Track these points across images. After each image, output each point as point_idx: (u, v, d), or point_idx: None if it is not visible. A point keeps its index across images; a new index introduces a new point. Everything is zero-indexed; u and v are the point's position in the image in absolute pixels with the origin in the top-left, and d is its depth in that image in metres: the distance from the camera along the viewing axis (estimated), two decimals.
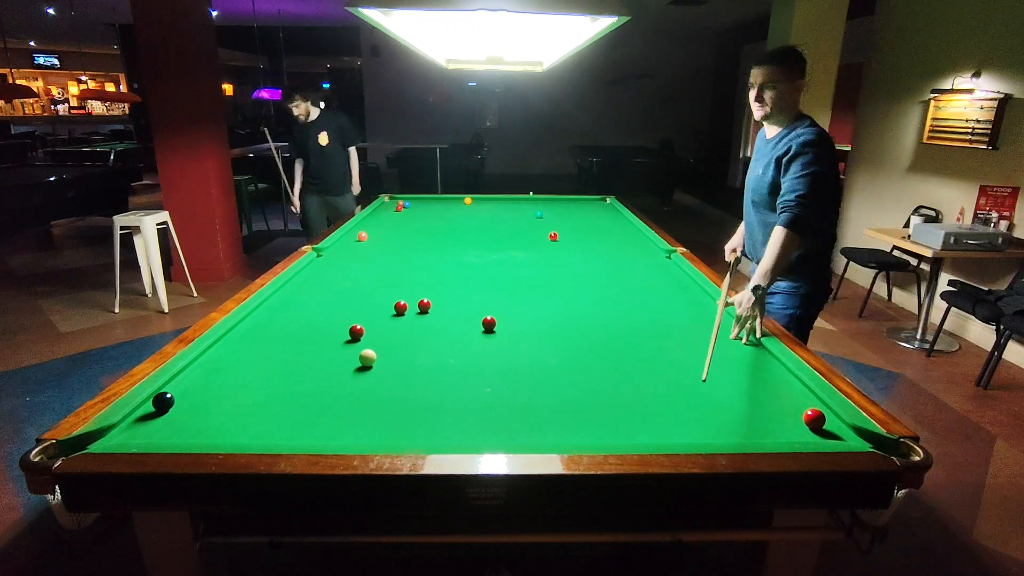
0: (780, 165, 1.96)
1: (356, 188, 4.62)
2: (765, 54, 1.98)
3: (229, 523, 1.32)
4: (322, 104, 4.54)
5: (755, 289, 1.77)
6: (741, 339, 1.78)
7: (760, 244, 2.11)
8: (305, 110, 4.34)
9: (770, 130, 2.11)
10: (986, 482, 2.53)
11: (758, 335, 1.76)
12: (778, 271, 1.84)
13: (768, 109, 1.97)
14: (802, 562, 1.39)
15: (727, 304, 1.81)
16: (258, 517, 1.32)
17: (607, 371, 1.63)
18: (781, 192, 1.91)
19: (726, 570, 1.89)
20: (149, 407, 1.34)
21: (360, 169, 4.71)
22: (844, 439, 1.25)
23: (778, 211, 1.89)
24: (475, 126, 11.57)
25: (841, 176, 2.75)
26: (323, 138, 4.37)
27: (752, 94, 2.01)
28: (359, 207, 4.25)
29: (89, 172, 6.64)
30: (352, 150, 4.59)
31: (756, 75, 1.97)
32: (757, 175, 2.10)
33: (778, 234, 1.85)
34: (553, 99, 11.00)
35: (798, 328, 2.10)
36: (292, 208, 4.63)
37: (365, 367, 1.60)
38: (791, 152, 1.91)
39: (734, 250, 2.46)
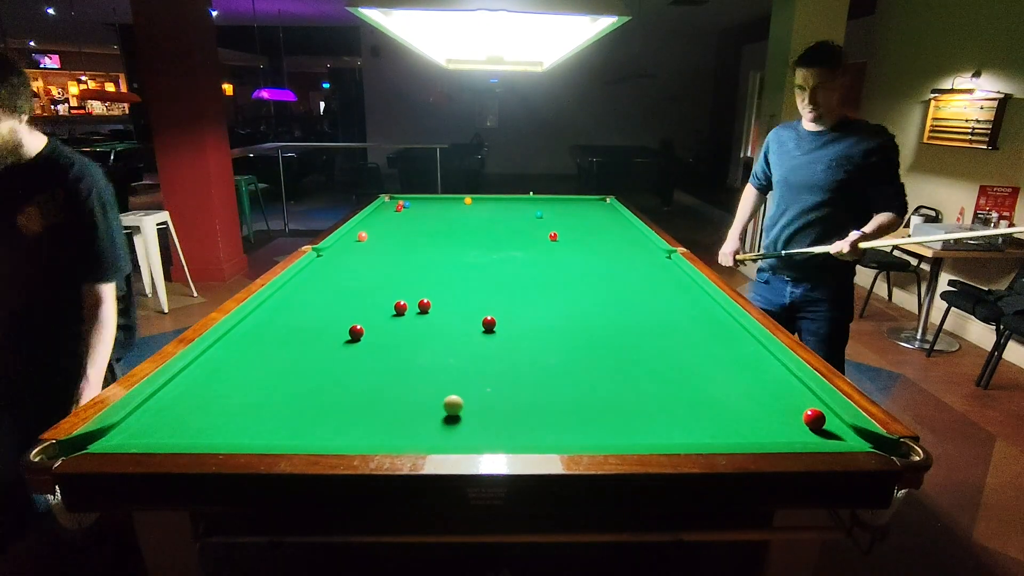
0: (859, 166, 2.05)
1: (91, 389, 1.59)
2: (811, 55, 1.98)
3: (229, 523, 1.32)
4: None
5: (859, 239, 1.98)
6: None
7: (800, 233, 2.22)
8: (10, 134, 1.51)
9: (811, 126, 2.14)
10: (986, 482, 2.53)
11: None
12: (873, 240, 2.04)
13: (822, 111, 2.02)
14: (802, 562, 1.39)
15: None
16: (258, 517, 1.31)
17: (607, 371, 1.63)
18: (885, 189, 2.08)
19: (726, 570, 1.88)
20: (149, 407, 1.34)
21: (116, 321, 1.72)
22: (844, 439, 1.25)
23: (889, 204, 2.08)
24: (475, 126, 11.56)
25: None
26: (30, 220, 1.56)
27: (803, 96, 2.04)
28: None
29: None
30: (105, 293, 1.66)
31: (807, 77, 1.99)
32: (816, 171, 2.14)
33: (888, 218, 2.06)
34: (553, 99, 11.00)
35: (844, 334, 2.29)
36: None
37: (452, 416, 1.36)
38: (883, 158, 2.06)
39: (736, 251, 2.54)
